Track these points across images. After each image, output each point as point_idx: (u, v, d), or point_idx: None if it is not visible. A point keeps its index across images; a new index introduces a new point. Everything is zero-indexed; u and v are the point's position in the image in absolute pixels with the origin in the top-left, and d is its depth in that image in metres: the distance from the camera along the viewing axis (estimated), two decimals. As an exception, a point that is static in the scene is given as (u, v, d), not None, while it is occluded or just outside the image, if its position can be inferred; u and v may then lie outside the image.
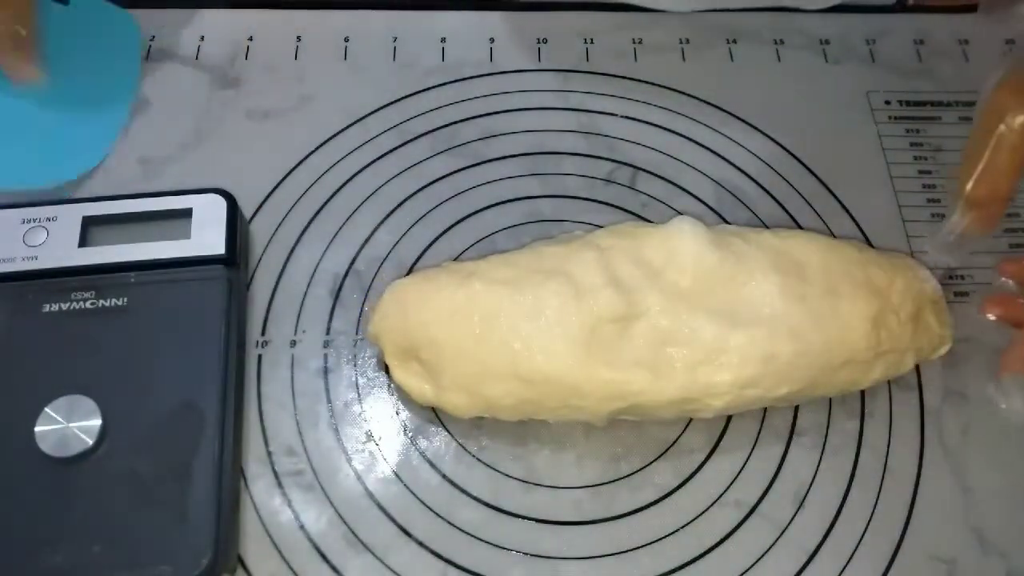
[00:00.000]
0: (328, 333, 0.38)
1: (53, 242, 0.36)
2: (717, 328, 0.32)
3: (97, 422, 0.32)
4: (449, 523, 0.34)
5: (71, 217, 0.36)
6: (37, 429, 0.32)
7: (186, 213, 0.37)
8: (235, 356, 0.35)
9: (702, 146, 0.43)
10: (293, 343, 0.37)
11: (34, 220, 0.36)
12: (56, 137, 0.41)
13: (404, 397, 0.36)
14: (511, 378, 0.32)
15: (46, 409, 0.32)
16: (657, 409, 0.33)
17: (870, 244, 0.41)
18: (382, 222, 0.40)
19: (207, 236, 0.36)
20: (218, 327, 0.35)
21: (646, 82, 0.45)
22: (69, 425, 0.32)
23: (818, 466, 0.35)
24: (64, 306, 0.35)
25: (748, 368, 0.32)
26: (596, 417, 0.34)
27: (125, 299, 0.35)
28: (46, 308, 0.35)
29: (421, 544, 0.33)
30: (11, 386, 0.33)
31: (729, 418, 0.36)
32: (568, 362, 0.32)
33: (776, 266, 0.34)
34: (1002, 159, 0.32)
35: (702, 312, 0.33)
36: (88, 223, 0.36)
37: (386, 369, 0.36)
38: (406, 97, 0.44)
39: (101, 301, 0.35)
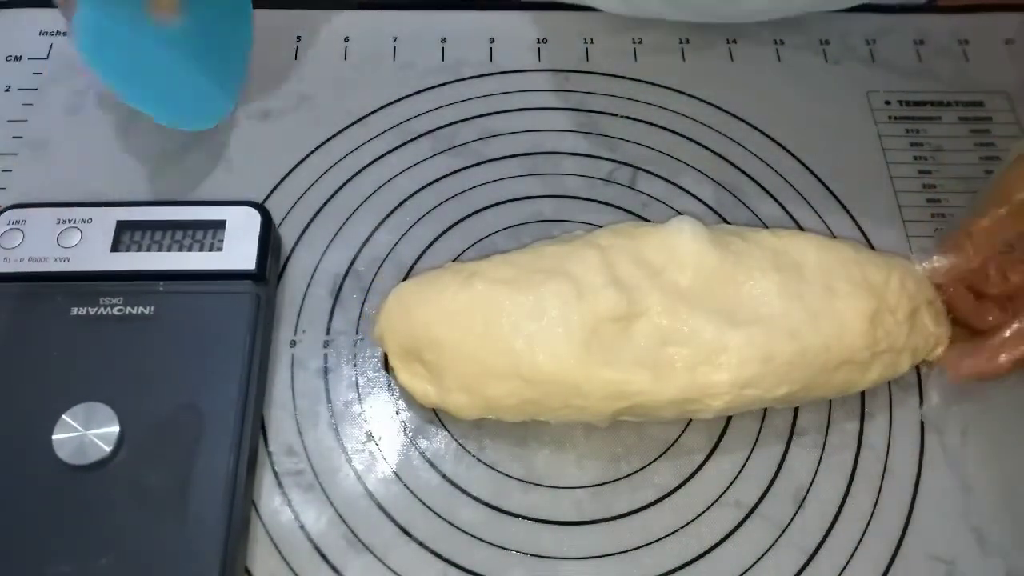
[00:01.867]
0: (328, 333, 0.38)
1: (86, 245, 0.36)
2: (717, 328, 0.32)
3: (115, 429, 0.32)
4: (449, 523, 0.34)
5: (105, 220, 0.36)
6: (55, 437, 0.32)
7: (220, 224, 0.36)
8: (257, 374, 0.35)
9: (702, 146, 0.43)
10: (293, 343, 0.37)
11: (69, 221, 0.36)
12: (193, 84, 0.40)
13: (404, 397, 0.36)
14: (513, 378, 0.32)
15: (63, 416, 0.32)
16: (658, 409, 0.33)
17: (870, 244, 0.41)
18: (382, 222, 0.40)
19: (239, 250, 0.36)
20: (242, 344, 0.34)
21: (646, 82, 0.45)
22: (87, 433, 0.32)
23: (818, 466, 0.35)
24: (92, 311, 0.35)
25: (747, 368, 0.32)
26: (598, 417, 0.34)
27: (152, 308, 0.35)
28: (74, 311, 0.35)
29: (421, 544, 0.33)
30: (33, 388, 0.33)
31: (729, 418, 0.36)
32: (569, 361, 0.32)
33: (775, 265, 0.34)
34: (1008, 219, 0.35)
35: (702, 312, 0.33)
36: (122, 228, 0.36)
37: (388, 369, 0.36)
38: (406, 97, 0.44)
39: (128, 308, 0.35)
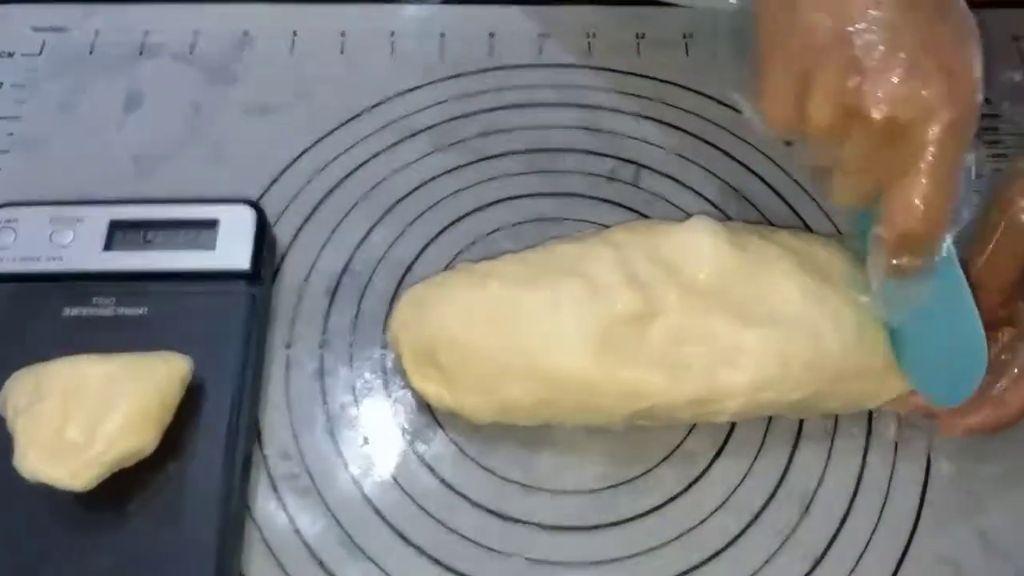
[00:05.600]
0: (324, 334, 0.37)
1: (79, 244, 0.35)
2: (735, 328, 0.32)
3: None
4: (448, 528, 0.33)
5: (98, 220, 0.36)
6: None
7: (212, 224, 0.36)
8: (251, 376, 0.34)
9: (706, 142, 0.43)
10: (288, 344, 0.37)
11: (61, 220, 0.36)
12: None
13: (402, 400, 0.36)
14: (528, 379, 0.32)
15: None
16: (674, 411, 0.33)
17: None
18: (379, 221, 0.40)
19: (232, 249, 0.35)
20: (237, 345, 0.34)
21: (649, 77, 0.45)
22: None
23: (824, 470, 0.35)
24: (85, 311, 0.34)
25: (764, 369, 0.32)
26: (613, 420, 0.33)
27: (145, 308, 0.34)
28: (67, 312, 0.34)
29: (419, 550, 0.33)
30: None
31: (734, 422, 0.36)
32: (585, 361, 0.32)
33: (799, 268, 0.33)
34: (1010, 244, 0.32)
35: (720, 311, 0.32)
36: (114, 227, 0.36)
37: (401, 372, 0.35)
38: (404, 93, 0.44)
39: (121, 308, 0.34)
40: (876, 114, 0.28)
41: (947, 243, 0.30)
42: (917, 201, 0.28)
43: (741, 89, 0.32)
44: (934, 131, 0.28)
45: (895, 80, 0.27)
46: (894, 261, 0.30)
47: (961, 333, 0.31)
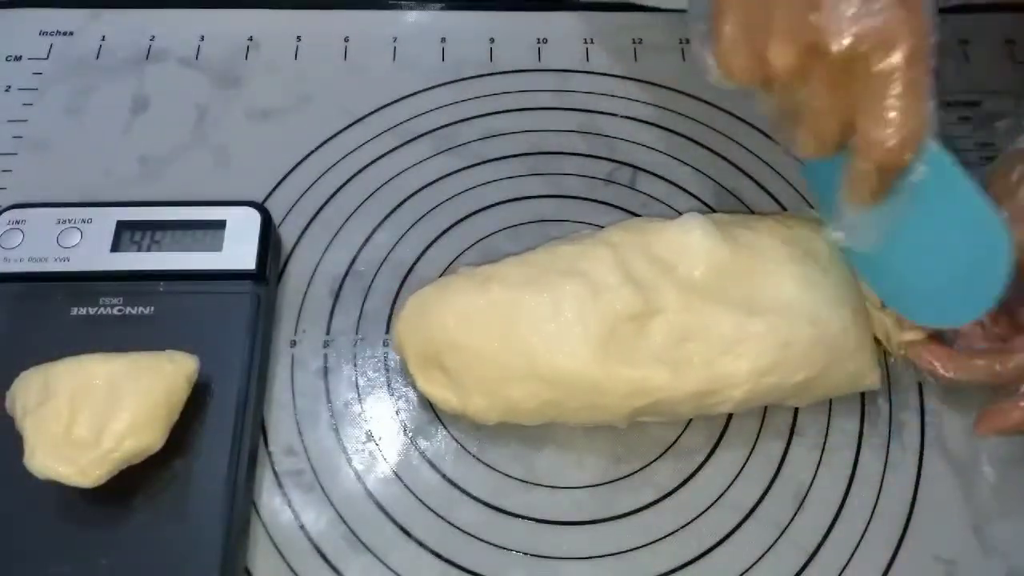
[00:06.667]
0: (328, 333, 0.38)
1: (86, 245, 0.36)
2: (733, 319, 0.32)
3: None
4: (449, 523, 0.34)
5: (106, 221, 0.36)
6: None
7: (220, 225, 0.37)
8: (257, 374, 0.35)
9: (702, 146, 0.43)
10: (293, 343, 0.37)
11: (69, 221, 0.36)
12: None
13: (404, 397, 0.36)
14: (533, 379, 0.33)
15: None
16: (677, 404, 0.33)
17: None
18: (382, 222, 0.40)
19: (239, 250, 0.36)
20: (242, 344, 0.34)
21: (646, 82, 0.45)
22: None
23: (818, 466, 0.35)
24: (92, 311, 0.35)
25: (766, 356, 0.32)
26: (617, 417, 0.34)
27: (152, 308, 0.35)
28: (74, 311, 0.35)
29: (421, 544, 0.33)
30: None
31: (729, 417, 0.36)
32: (588, 361, 0.32)
33: (788, 253, 0.34)
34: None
35: (717, 305, 0.33)
36: (122, 228, 0.36)
37: (408, 376, 0.36)
38: (406, 97, 0.44)
39: (128, 308, 0.35)
40: (836, 48, 0.28)
41: (932, 145, 0.29)
42: (892, 117, 0.28)
43: (702, 42, 0.31)
44: (896, 59, 0.28)
45: (851, 13, 0.28)
46: (876, 184, 0.29)
47: (974, 230, 0.29)
